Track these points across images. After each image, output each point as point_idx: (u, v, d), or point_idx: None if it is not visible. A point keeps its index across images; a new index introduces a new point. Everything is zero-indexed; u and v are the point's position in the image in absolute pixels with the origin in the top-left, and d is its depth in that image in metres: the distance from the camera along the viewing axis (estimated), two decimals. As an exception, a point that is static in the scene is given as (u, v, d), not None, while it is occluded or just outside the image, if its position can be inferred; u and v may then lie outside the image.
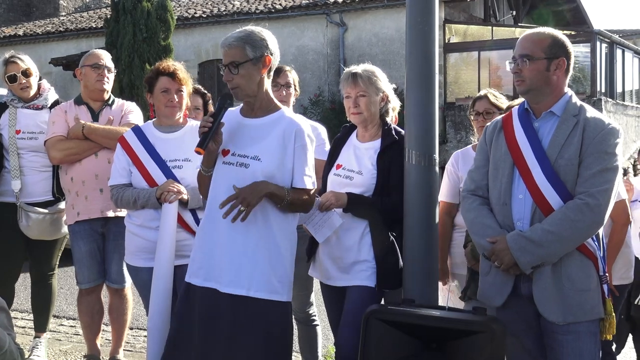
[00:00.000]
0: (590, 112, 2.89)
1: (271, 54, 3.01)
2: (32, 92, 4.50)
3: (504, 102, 3.89)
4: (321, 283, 3.53)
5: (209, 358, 2.97)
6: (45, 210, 4.39)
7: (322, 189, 3.51)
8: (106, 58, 4.37)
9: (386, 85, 3.42)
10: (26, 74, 4.45)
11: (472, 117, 3.95)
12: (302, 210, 3.11)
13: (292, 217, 3.07)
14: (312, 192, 3.07)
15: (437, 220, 3.22)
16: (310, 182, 3.03)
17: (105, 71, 4.30)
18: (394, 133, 3.38)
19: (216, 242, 3.00)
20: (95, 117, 4.28)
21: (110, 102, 4.36)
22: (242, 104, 3.15)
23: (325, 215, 3.28)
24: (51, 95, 4.60)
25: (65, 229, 4.50)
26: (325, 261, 3.43)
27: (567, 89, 2.95)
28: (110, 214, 4.20)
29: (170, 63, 3.84)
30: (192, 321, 3.03)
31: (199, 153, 2.97)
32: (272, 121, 3.04)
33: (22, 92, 4.47)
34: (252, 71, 2.98)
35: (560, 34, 2.94)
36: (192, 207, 3.61)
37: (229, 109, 3.09)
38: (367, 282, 3.28)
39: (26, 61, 4.49)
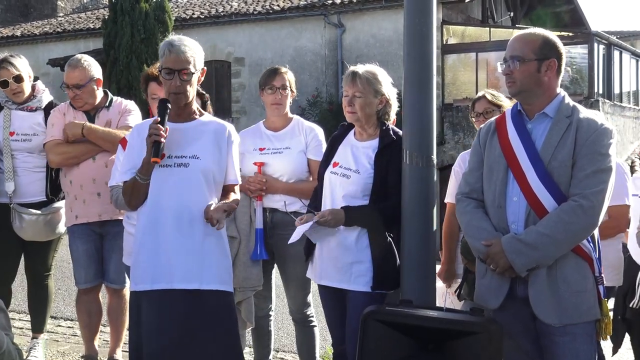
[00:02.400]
0: (584, 112, 2.88)
1: (203, 69, 3.25)
2: (25, 96, 4.47)
3: (503, 100, 3.89)
4: (319, 284, 3.52)
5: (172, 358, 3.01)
6: (39, 212, 4.38)
7: (319, 187, 3.50)
8: (75, 75, 4.16)
9: (388, 88, 3.40)
10: (18, 79, 4.40)
11: (473, 119, 3.96)
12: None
13: None
14: (238, 186, 3.31)
15: (434, 221, 3.22)
16: (239, 176, 3.29)
17: (74, 91, 4.15)
18: (392, 133, 3.38)
19: (161, 244, 3.07)
20: (91, 120, 4.26)
21: (107, 103, 4.32)
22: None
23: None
24: (45, 96, 4.57)
25: (59, 230, 4.50)
26: (323, 261, 3.42)
27: (559, 90, 2.94)
28: (108, 217, 4.20)
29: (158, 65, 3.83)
30: (147, 328, 3.05)
31: (156, 163, 3.04)
32: (202, 123, 3.23)
33: (14, 96, 4.44)
34: (194, 80, 3.18)
35: (551, 34, 2.93)
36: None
37: (138, 124, 3.32)
38: (367, 287, 3.28)
39: (18, 65, 4.41)
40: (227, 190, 3.24)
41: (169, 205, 3.07)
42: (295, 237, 3.37)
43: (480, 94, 3.97)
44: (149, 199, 3.13)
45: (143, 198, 3.13)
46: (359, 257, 3.30)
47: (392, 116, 3.47)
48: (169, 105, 3.12)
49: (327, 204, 3.41)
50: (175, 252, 3.05)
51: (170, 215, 3.06)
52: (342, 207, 3.29)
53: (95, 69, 4.26)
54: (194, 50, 3.17)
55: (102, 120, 4.26)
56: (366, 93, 3.34)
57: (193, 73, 3.13)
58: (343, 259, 3.33)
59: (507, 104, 3.86)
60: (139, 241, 3.15)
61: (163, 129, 3.02)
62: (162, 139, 3.00)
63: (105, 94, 4.36)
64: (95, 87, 4.24)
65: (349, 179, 3.36)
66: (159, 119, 3.07)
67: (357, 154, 3.41)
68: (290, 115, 4.08)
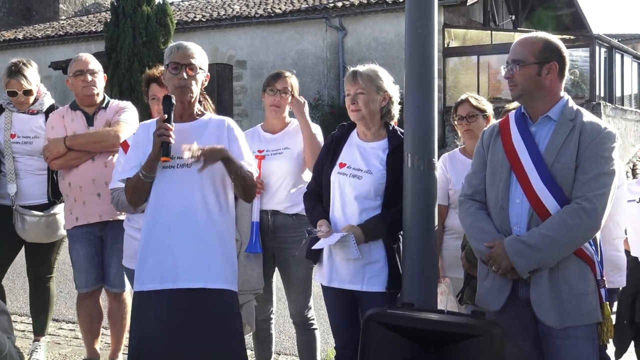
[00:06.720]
0: (587, 116, 2.88)
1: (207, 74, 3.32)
2: (28, 107, 4.49)
3: (485, 105, 3.92)
4: (326, 287, 3.46)
5: (176, 358, 3.02)
6: (41, 213, 4.40)
7: (326, 188, 3.45)
8: (90, 62, 4.33)
9: (390, 86, 3.40)
10: (27, 93, 4.44)
11: (455, 122, 3.97)
12: (248, 193, 3.20)
13: (232, 214, 3.25)
14: (254, 178, 3.22)
15: (436, 223, 3.22)
16: (252, 169, 3.20)
17: (88, 76, 4.27)
18: (399, 134, 3.37)
19: (169, 245, 3.07)
20: (90, 122, 4.29)
21: (104, 104, 4.35)
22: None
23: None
24: (47, 100, 4.59)
25: (61, 232, 4.50)
26: (333, 264, 3.38)
27: (563, 93, 2.94)
28: (109, 218, 4.21)
29: (160, 69, 3.84)
30: (151, 328, 3.05)
31: (166, 161, 3.05)
32: (204, 122, 3.26)
33: (18, 104, 4.48)
34: (199, 79, 3.23)
35: (553, 38, 2.93)
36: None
37: (144, 122, 3.31)
38: (382, 287, 3.27)
39: (30, 78, 4.44)
40: None
41: (173, 207, 3.08)
42: (318, 246, 3.35)
43: (463, 97, 3.98)
44: (152, 200, 3.14)
45: (145, 197, 3.14)
46: (372, 257, 3.29)
47: (396, 115, 3.46)
48: (174, 102, 3.12)
49: (336, 205, 3.39)
50: (180, 252, 3.06)
51: (174, 216, 3.07)
52: (358, 225, 3.27)
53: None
54: (199, 54, 3.26)
55: (101, 121, 4.29)
56: (369, 90, 3.34)
57: (198, 72, 3.19)
58: (356, 260, 3.30)
59: (490, 108, 3.90)
60: (144, 242, 3.16)
61: (171, 128, 3.03)
62: (171, 139, 3.02)
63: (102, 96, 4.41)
64: (103, 79, 4.36)
65: (360, 179, 3.33)
66: (166, 116, 3.07)
67: (366, 155, 3.39)
68: (288, 119, 4.09)
